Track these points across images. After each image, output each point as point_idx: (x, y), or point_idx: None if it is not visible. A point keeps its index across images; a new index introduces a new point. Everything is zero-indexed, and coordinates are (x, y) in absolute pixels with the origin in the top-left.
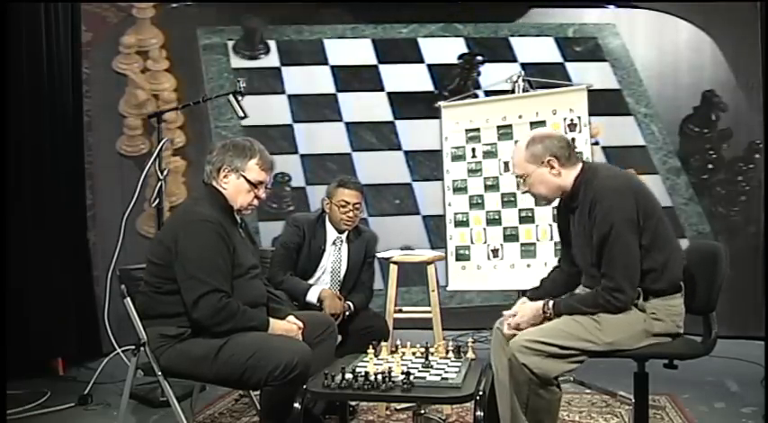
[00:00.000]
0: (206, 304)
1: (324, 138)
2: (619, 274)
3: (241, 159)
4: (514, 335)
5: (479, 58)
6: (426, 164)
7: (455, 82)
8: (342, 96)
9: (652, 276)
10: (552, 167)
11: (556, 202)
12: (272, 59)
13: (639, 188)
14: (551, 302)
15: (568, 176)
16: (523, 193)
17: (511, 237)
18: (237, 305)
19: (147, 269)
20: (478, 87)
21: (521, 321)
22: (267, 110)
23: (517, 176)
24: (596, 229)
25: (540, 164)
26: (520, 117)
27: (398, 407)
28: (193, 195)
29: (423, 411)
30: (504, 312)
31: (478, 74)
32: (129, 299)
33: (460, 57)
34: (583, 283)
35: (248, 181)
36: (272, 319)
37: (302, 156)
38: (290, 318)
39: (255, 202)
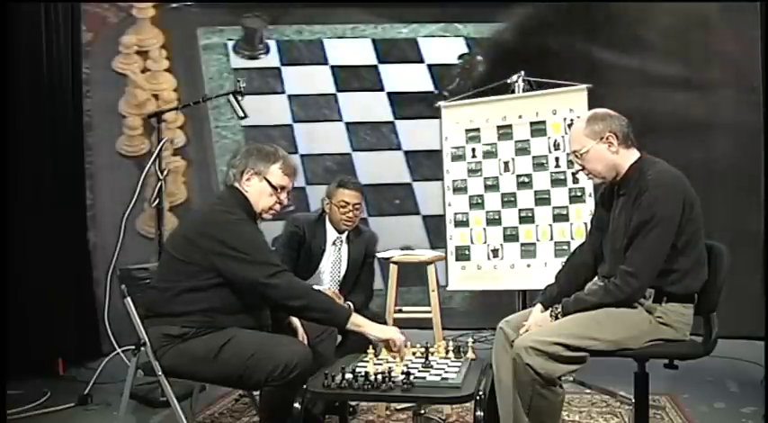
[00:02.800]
0: (279, 281)
1: (324, 138)
2: (641, 261)
3: (264, 163)
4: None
5: (479, 58)
6: (426, 164)
7: (455, 82)
8: (342, 96)
9: (672, 278)
10: (611, 144)
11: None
12: (272, 59)
13: (690, 192)
14: (560, 305)
15: (625, 158)
16: (576, 171)
17: (511, 237)
18: (307, 284)
19: (162, 264)
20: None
21: (532, 328)
22: (267, 110)
23: (573, 152)
24: (637, 214)
25: (599, 140)
26: (520, 117)
27: (398, 407)
28: (219, 195)
29: (423, 411)
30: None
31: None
32: (129, 299)
33: (460, 57)
34: (601, 272)
35: (271, 184)
36: (362, 320)
37: (302, 156)
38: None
39: (277, 206)
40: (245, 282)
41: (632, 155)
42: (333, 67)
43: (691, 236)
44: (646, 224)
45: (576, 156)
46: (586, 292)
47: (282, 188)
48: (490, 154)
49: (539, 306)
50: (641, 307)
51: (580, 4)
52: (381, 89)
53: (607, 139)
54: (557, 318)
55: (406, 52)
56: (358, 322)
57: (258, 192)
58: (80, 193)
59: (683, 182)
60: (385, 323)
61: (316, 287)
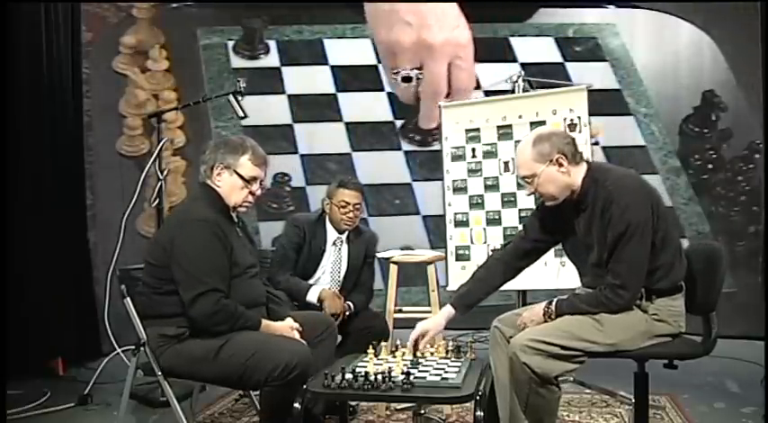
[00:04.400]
0: (204, 303)
1: (324, 138)
2: (626, 272)
3: (233, 156)
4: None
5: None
6: (426, 164)
7: None
8: (342, 96)
9: (657, 275)
10: (561, 165)
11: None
12: (272, 59)
13: (652, 190)
14: (553, 303)
15: (577, 175)
16: (529, 194)
17: (511, 237)
18: (235, 306)
19: (144, 270)
20: (478, 87)
21: (526, 322)
22: (267, 110)
23: (523, 178)
24: (611, 228)
25: (548, 162)
26: (520, 117)
27: (398, 407)
28: (191, 195)
29: (423, 411)
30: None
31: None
32: (128, 299)
33: None
34: (584, 283)
35: (241, 177)
36: (265, 322)
37: (302, 156)
38: (288, 320)
39: (251, 198)
40: (180, 291)
41: (582, 169)
42: (333, 67)
43: (665, 232)
44: (622, 236)
45: (527, 181)
46: (580, 298)
47: (254, 179)
48: (490, 154)
49: (541, 304)
50: (637, 308)
51: None
52: (381, 89)
53: (557, 161)
54: (550, 318)
55: None
56: (270, 329)
57: (230, 187)
58: (80, 193)
59: (643, 182)
60: (384, 321)
61: (315, 287)
